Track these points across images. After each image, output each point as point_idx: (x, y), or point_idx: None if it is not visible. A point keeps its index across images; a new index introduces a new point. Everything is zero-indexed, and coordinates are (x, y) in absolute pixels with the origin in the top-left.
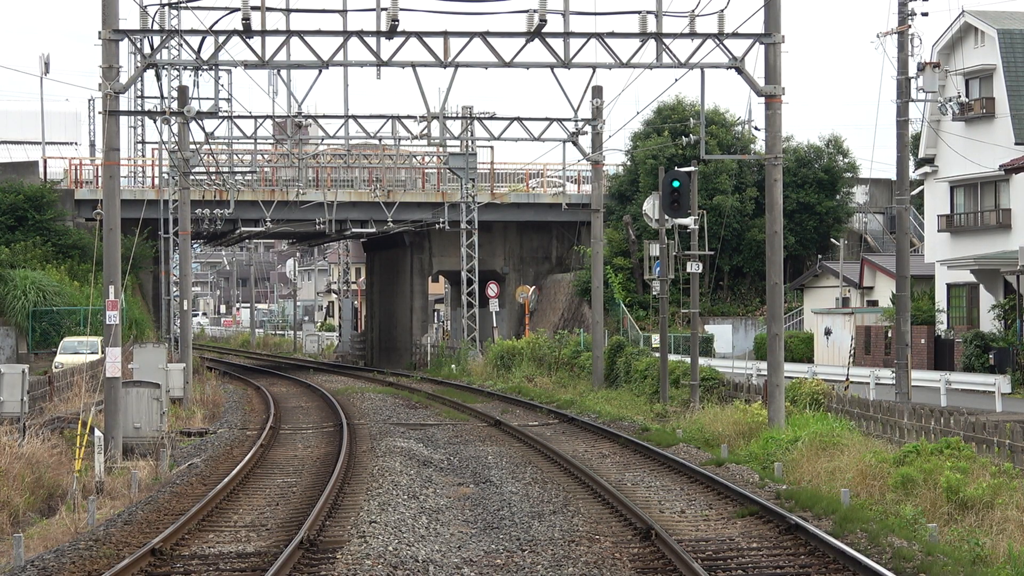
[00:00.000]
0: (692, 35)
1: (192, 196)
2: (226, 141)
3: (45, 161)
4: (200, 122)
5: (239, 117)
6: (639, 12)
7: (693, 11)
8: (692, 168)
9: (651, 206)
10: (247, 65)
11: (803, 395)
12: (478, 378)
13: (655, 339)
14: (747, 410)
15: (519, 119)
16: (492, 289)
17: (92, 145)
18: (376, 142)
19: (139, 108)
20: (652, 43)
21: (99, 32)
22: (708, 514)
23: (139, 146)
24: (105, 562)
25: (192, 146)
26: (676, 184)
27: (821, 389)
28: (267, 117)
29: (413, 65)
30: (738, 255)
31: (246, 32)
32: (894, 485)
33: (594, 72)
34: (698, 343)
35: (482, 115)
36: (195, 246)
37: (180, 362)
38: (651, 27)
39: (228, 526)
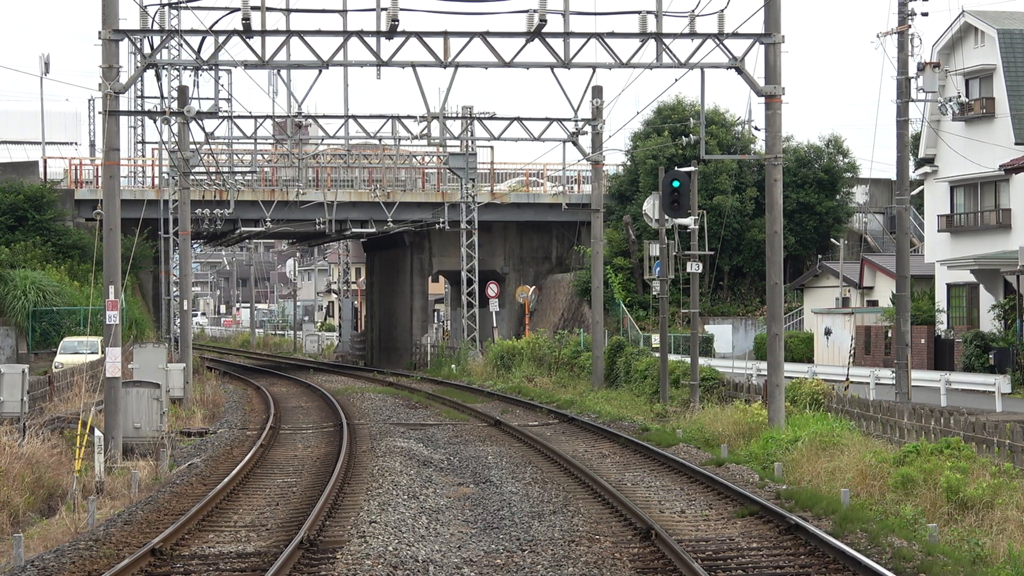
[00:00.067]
0: (692, 35)
1: (192, 196)
2: (226, 141)
3: (45, 161)
4: (200, 122)
5: (239, 117)
6: (639, 12)
7: (693, 11)
8: (692, 168)
9: (651, 206)
10: (247, 65)
11: (803, 395)
12: (478, 378)
13: (655, 339)
14: (747, 410)
15: (519, 119)
16: (492, 289)
17: (92, 145)
18: (376, 142)
19: (139, 108)
20: (652, 43)
21: (99, 32)
22: (708, 514)
23: (139, 146)
24: (105, 562)
25: (192, 146)
26: (676, 184)
27: (821, 389)
28: (267, 117)
29: (413, 65)
30: (738, 255)
31: (246, 32)
32: (894, 485)
33: (594, 72)
34: (698, 343)
35: (482, 115)
36: (195, 246)
37: (180, 362)
38: (651, 27)
39: (228, 526)
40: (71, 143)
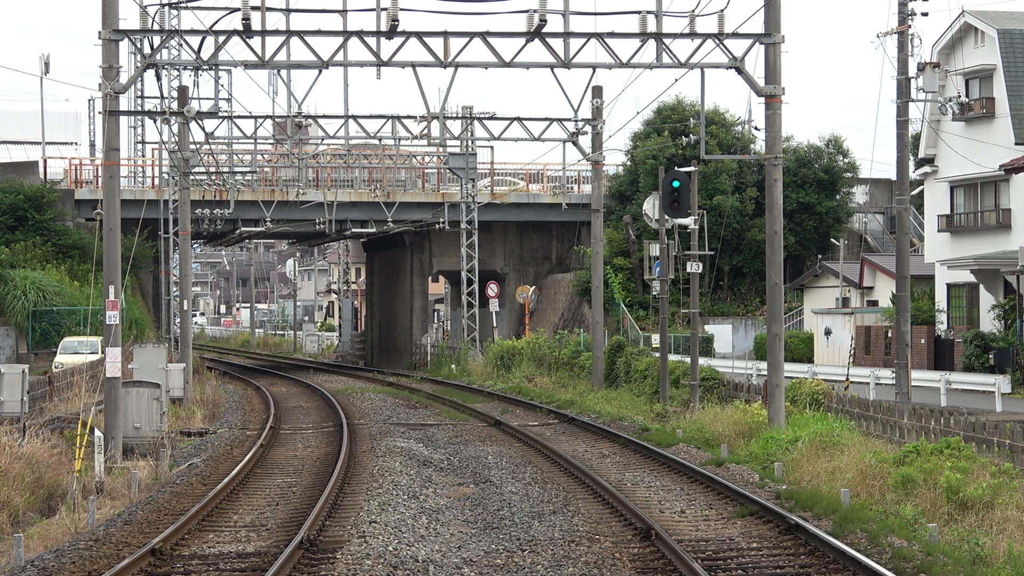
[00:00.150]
0: (692, 35)
1: (192, 196)
2: (226, 141)
3: (45, 161)
4: (200, 122)
5: (239, 117)
6: (639, 12)
7: (693, 11)
8: (692, 168)
9: (651, 206)
10: (247, 65)
11: (803, 395)
12: (478, 378)
13: (655, 339)
14: (747, 410)
15: (519, 119)
16: (492, 289)
17: (92, 145)
18: (376, 142)
19: (139, 108)
20: (652, 43)
21: (99, 32)
22: (708, 514)
23: (139, 146)
24: (105, 562)
25: (192, 146)
26: (676, 184)
27: (821, 389)
28: (267, 117)
29: (413, 65)
30: (738, 255)
31: (246, 32)
32: (894, 485)
33: (594, 72)
34: (698, 343)
35: (482, 115)
36: (195, 246)
37: (180, 362)
38: (651, 27)
39: (228, 526)
40: (71, 143)
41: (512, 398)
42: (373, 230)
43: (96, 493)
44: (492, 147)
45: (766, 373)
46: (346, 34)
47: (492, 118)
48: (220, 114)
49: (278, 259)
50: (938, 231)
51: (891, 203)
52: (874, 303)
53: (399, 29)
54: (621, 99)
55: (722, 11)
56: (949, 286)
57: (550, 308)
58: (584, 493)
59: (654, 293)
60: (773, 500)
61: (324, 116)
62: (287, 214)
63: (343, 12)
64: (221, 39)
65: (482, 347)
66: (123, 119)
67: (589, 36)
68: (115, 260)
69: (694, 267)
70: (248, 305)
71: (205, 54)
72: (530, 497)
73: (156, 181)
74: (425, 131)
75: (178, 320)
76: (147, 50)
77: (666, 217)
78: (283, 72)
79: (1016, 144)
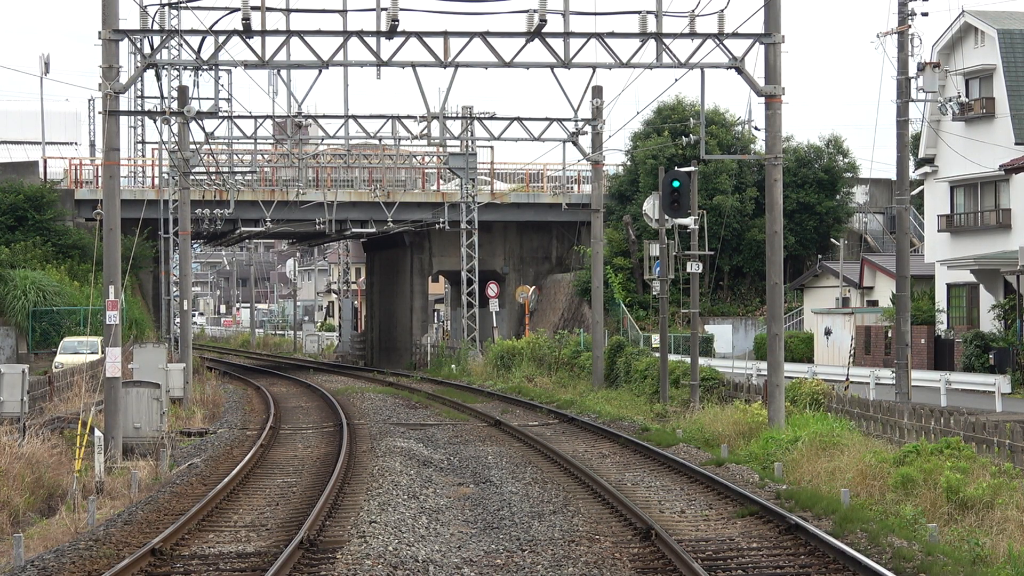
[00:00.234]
0: (692, 35)
1: (192, 196)
2: (226, 141)
3: (45, 161)
4: (200, 122)
5: (239, 117)
6: (639, 12)
7: (693, 11)
8: (692, 168)
9: (651, 206)
10: (247, 65)
11: (803, 395)
12: (478, 378)
13: (655, 339)
14: (747, 410)
15: (519, 119)
16: (492, 289)
17: (92, 145)
18: (376, 142)
19: (139, 108)
20: (652, 43)
21: (99, 32)
22: (708, 514)
23: (139, 146)
24: (105, 562)
25: (192, 146)
26: (676, 184)
27: (821, 389)
28: (267, 117)
29: (413, 65)
30: (738, 255)
31: (246, 32)
32: (894, 485)
33: (594, 72)
34: (698, 343)
35: (482, 115)
36: (195, 246)
37: (180, 362)
38: (651, 27)
39: (228, 526)
40: (71, 143)
41: (512, 398)
42: (373, 230)
43: (96, 493)
44: (492, 147)
45: (766, 373)
46: (346, 34)
47: (492, 118)
48: (220, 114)
49: (278, 259)
50: (938, 231)
51: (891, 203)
52: (874, 303)
53: (399, 29)
54: (621, 99)
55: (722, 11)
56: (949, 286)
57: (550, 308)
58: (584, 493)
59: (654, 293)
60: (773, 500)
61: (324, 116)
62: (287, 214)
63: (343, 12)
64: (221, 39)
65: (482, 347)
66: (123, 119)
67: (589, 36)
68: (115, 260)
69: (694, 267)
70: (248, 305)
71: (205, 54)
72: (530, 497)
73: (156, 181)
74: (425, 131)
75: (178, 320)
76: (147, 50)
77: (666, 217)
78: (283, 72)
79: (1016, 144)
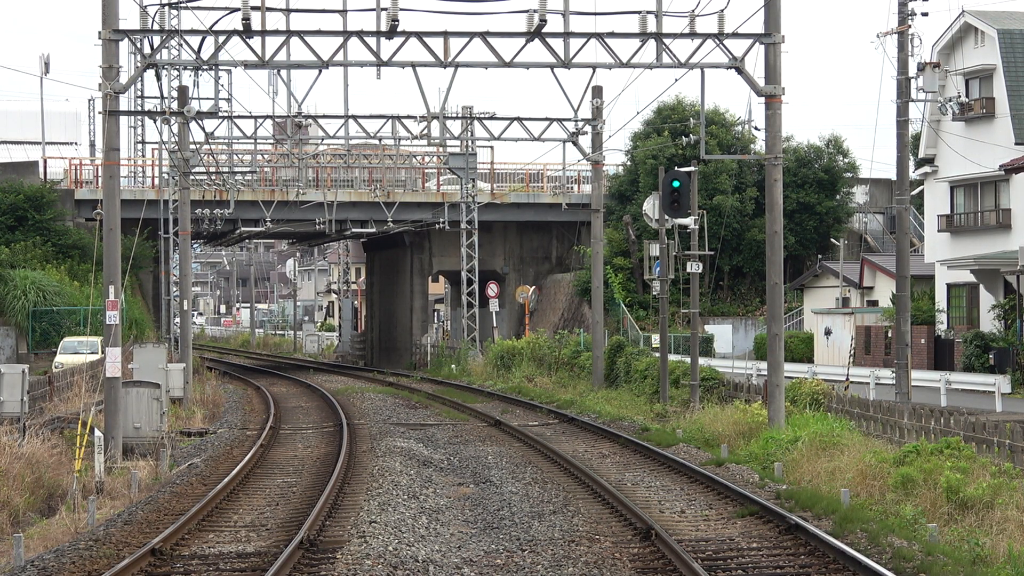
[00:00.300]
0: (692, 35)
1: (192, 196)
2: (226, 141)
3: (45, 161)
4: (200, 122)
5: (239, 117)
6: (639, 12)
7: (693, 11)
8: (692, 168)
9: (651, 206)
10: (247, 65)
11: (803, 395)
12: (478, 378)
13: (655, 339)
14: (747, 410)
15: (519, 119)
16: (492, 289)
17: (92, 145)
18: (376, 142)
19: (139, 108)
20: (652, 43)
21: (99, 32)
22: (708, 514)
23: (139, 146)
24: (105, 562)
25: (192, 146)
26: (676, 184)
27: (821, 389)
28: (267, 117)
29: (413, 65)
30: (738, 255)
31: (246, 32)
32: (894, 485)
33: (594, 72)
34: (698, 343)
35: (482, 115)
36: (195, 246)
37: (180, 362)
38: (651, 27)
39: (228, 526)
40: (71, 143)
41: (512, 398)
42: (373, 230)
43: (96, 493)
44: (492, 147)
45: (766, 373)
46: (346, 34)
47: (492, 118)
48: (220, 114)
49: (278, 259)
50: (938, 231)
51: (891, 203)
52: (874, 303)
53: (399, 29)
54: (621, 99)
55: (722, 11)
56: (949, 286)
57: (550, 308)
58: (584, 493)
59: (654, 293)
60: (773, 500)
61: (324, 116)
62: (287, 214)
63: (343, 12)
64: (221, 39)
65: (482, 347)
66: (123, 119)
67: (589, 36)
68: (115, 260)
69: (694, 267)
70: (248, 305)
71: (205, 54)
72: (530, 497)
73: (156, 181)
74: (425, 131)
75: (178, 320)
76: (147, 50)
77: (666, 217)
78: (283, 72)
79: (1016, 144)
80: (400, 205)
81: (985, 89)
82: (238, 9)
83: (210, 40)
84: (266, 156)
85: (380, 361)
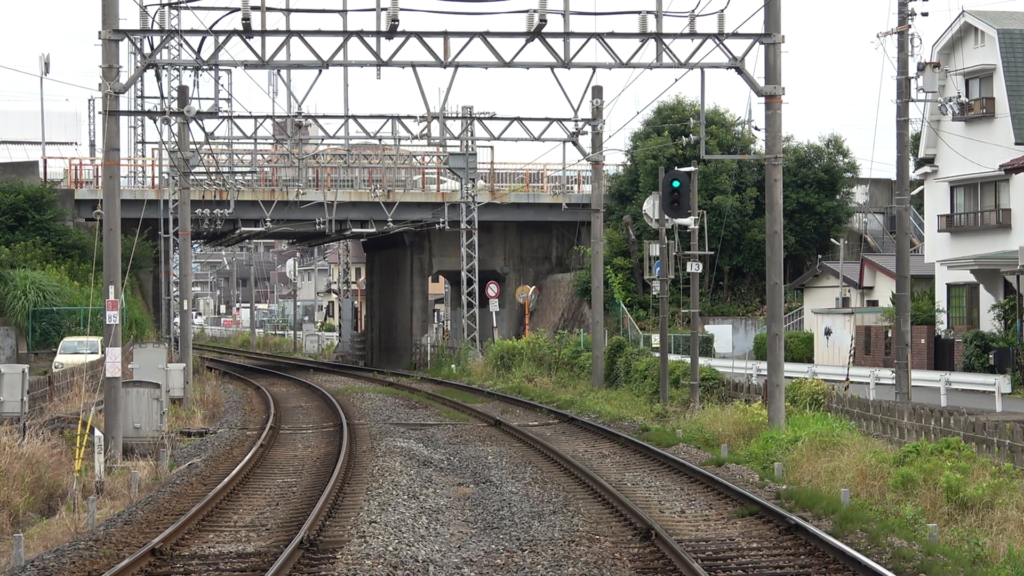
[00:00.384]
0: (692, 35)
1: (192, 196)
2: (226, 141)
3: (45, 161)
4: (200, 122)
5: (239, 117)
6: (639, 12)
7: (693, 11)
8: (692, 168)
9: (651, 206)
10: (247, 65)
11: (803, 395)
12: (478, 378)
13: (655, 339)
14: (747, 410)
15: (519, 119)
16: (492, 289)
17: (92, 145)
18: (376, 142)
19: (139, 108)
20: (652, 43)
21: (99, 32)
22: (708, 514)
23: (139, 146)
24: (105, 562)
25: (192, 146)
26: (676, 184)
27: (821, 389)
28: (267, 117)
29: (413, 65)
30: (738, 255)
31: (246, 32)
32: (894, 485)
33: (594, 72)
34: (698, 343)
35: (482, 115)
36: (195, 246)
37: (180, 362)
38: (651, 27)
39: (228, 526)
40: (71, 143)
41: (512, 398)
42: (373, 230)
43: (96, 493)
44: (492, 147)
45: (766, 373)
46: (346, 34)
47: (492, 118)
48: (220, 114)
49: (278, 259)
50: (938, 231)
51: (891, 203)
52: (874, 303)
53: (399, 29)
54: (621, 99)
55: (722, 11)
56: (949, 286)
57: (550, 308)
58: (584, 493)
59: (654, 293)
60: (773, 500)
61: (324, 116)
62: (287, 214)
63: (343, 12)
64: (221, 39)
65: (482, 347)
66: (123, 119)
67: (589, 36)
68: (115, 260)
69: (694, 267)
70: (248, 305)
71: (205, 54)
72: (530, 497)
73: (156, 181)
74: (425, 131)
75: (178, 320)
76: (147, 50)
77: (666, 217)
78: (283, 72)
79: (1016, 144)
80: (400, 205)
81: (985, 89)
82: (238, 9)
83: (210, 40)
84: (266, 156)
85: (380, 361)
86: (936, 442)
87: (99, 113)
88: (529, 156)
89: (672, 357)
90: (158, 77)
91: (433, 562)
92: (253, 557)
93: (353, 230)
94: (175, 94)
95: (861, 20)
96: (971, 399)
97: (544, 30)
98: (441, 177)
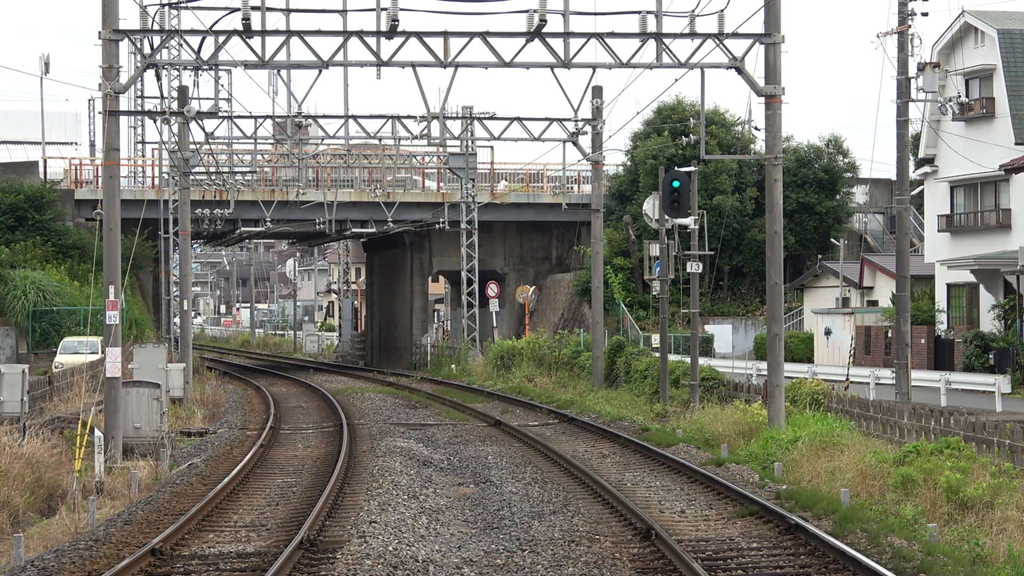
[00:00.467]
0: (692, 35)
1: (192, 196)
2: (226, 141)
3: (45, 161)
4: (200, 122)
5: (239, 117)
6: (639, 12)
7: (693, 11)
8: (692, 168)
9: (651, 206)
10: (247, 65)
11: (803, 395)
12: (478, 378)
13: (655, 339)
14: (747, 410)
15: (519, 119)
16: (492, 289)
17: (92, 145)
18: (376, 142)
19: (139, 108)
20: (652, 43)
21: (99, 32)
22: (708, 514)
23: (139, 146)
24: (105, 562)
25: (192, 146)
26: (676, 184)
27: (821, 389)
28: (267, 117)
29: (413, 65)
30: (738, 255)
31: (246, 32)
32: (894, 485)
33: (594, 72)
34: (698, 343)
35: (482, 115)
36: (195, 246)
37: (180, 362)
38: (651, 27)
39: (228, 526)
40: (71, 143)
41: (512, 398)
42: (373, 230)
43: (96, 493)
44: (492, 147)
45: (766, 373)
46: (346, 34)
47: (492, 118)
48: (220, 114)
49: (278, 259)
50: (938, 231)
51: (891, 203)
52: (874, 303)
53: (399, 29)
54: (621, 99)
55: (722, 11)
56: (949, 286)
57: (550, 308)
58: (584, 493)
59: (654, 293)
60: (773, 500)
61: (324, 116)
62: (287, 214)
63: (343, 12)
64: (221, 39)
65: (482, 347)
66: (123, 119)
67: (589, 36)
68: (115, 260)
69: (694, 267)
70: (248, 305)
71: (205, 54)
72: (530, 497)
73: (156, 181)
74: (425, 131)
75: (178, 320)
76: (147, 50)
77: (666, 217)
78: (283, 72)
79: (1016, 144)
80: (400, 205)
81: (985, 89)
82: (238, 9)
83: (210, 40)
84: (266, 156)
85: (380, 361)
86: (936, 442)
87: (99, 113)
88: (529, 156)
89: (672, 357)
90: (158, 77)
91: (433, 562)
92: (253, 557)
93: (353, 230)
94: (175, 94)
95: (861, 20)
96: (971, 399)
97: (544, 30)
98: (429, 178)
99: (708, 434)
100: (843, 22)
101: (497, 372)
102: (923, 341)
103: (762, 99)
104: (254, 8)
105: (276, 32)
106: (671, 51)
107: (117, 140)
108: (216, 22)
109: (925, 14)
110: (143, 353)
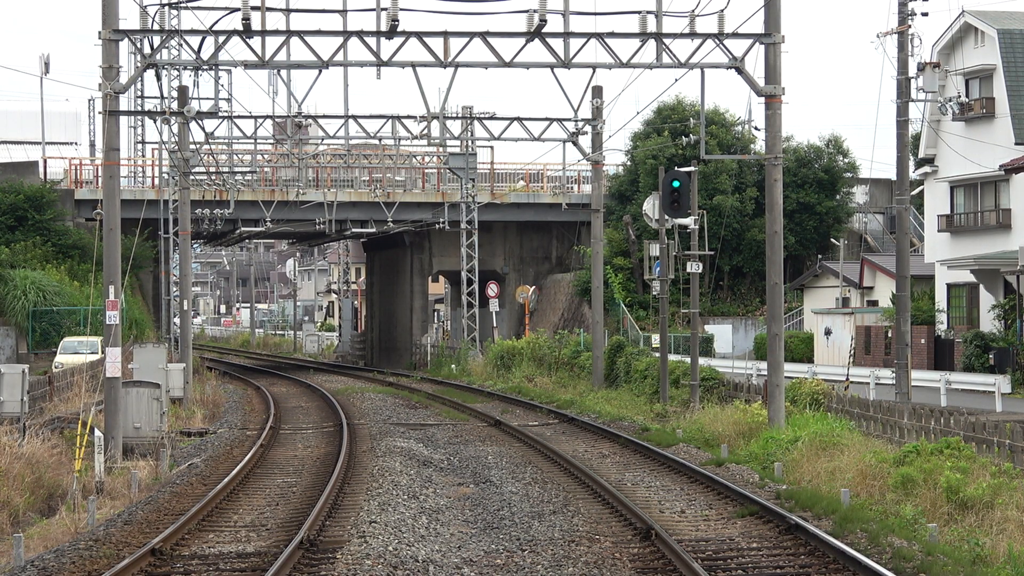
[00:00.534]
0: (692, 35)
1: (192, 196)
2: (226, 141)
3: (45, 161)
4: (200, 122)
5: (239, 117)
6: (639, 12)
7: (693, 11)
8: (692, 168)
9: (651, 206)
10: (247, 65)
11: (803, 395)
12: (478, 378)
13: (655, 339)
14: (747, 410)
15: (519, 119)
16: (492, 289)
17: (92, 145)
18: (376, 142)
19: (139, 108)
20: (652, 43)
21: (99, 32)
22: (708, 514)
23: (139, 146)
24: (105, 562)
25: (192, 146)
26: (676, 184)
27: (821, 389)
28: (267, 117)
29: (413, 65)
30: (738, 255)
31: (246, 32)
32: (894, 485)
33: (594, 72)
34: (698, 343)
35: (482, 115)
36: (195, 246)
37: (180, 362)
38: (651, 27)
39: (228, 526)
40: (71, 143)
41: (512, 398)
42: (373, 230)
43: (96, 493)
44: (492, 147)
45: (766, 373)
46: (346, 34)
47: (492, 118)
48: (220, 114)
49: (278, 259)
50: (938, 231)
51: (891, 203)
52: (874, 303)
53: (399, 29)
54: (621, 99)
55: (722, 11)
56: (949, 286)
57: (550, 308)
58: (584, 493)
59: (654, 293)
60: (773, 500)
61: (324, 116)
62: (287, 214)
63: (343, 12)
64: (221, 39)
65: (482, 347)
66: (123, 119)
67: (589, 36)
68: (115, 260)
69: (694, 267)
70: (248, 305)
71: (205, 54)
72: (530, 497)
73: (156, 181)
74: (425, 131)
75: (178, 320)
76: (147, 50)
77: (666, 217)
78: (283, 72)
79: (1016, 144)
80: (400, 205)
81: (985, 89)
82: (238, 9)
83: (210, 40)
84: (266, 156)
85: (380, 361)
86: (936, 442)
87: (99, 113)
88: (529, 156)
89: (672, 357)
90: (158, 77)
91: (433, 562)
92: (253, 557)
93: (353, 230)
94: (175, 94)
95: (861, 20)
96: (971, 399)
97: (544, 30)
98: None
99: (708, 434)
100: (843, 22)
101: (497, 372)
102: (923, 341)
103: (762, 99)
104: (254, 8)
105: (276, 32)
106: (671, 51)
107: (117, 140)
108: (216, 22)
109: (925, 14)
110: (143, 353)
